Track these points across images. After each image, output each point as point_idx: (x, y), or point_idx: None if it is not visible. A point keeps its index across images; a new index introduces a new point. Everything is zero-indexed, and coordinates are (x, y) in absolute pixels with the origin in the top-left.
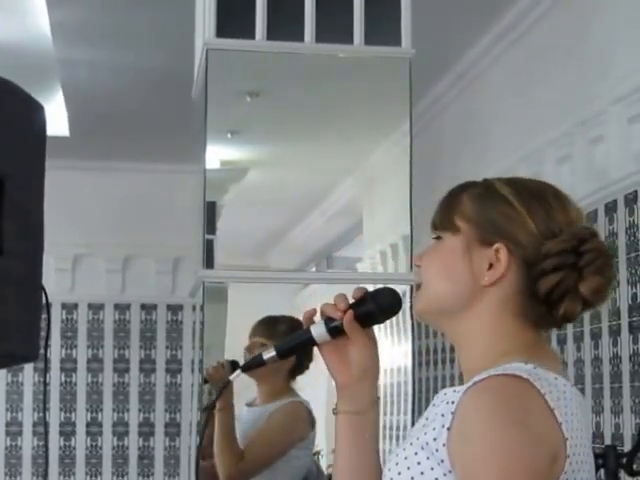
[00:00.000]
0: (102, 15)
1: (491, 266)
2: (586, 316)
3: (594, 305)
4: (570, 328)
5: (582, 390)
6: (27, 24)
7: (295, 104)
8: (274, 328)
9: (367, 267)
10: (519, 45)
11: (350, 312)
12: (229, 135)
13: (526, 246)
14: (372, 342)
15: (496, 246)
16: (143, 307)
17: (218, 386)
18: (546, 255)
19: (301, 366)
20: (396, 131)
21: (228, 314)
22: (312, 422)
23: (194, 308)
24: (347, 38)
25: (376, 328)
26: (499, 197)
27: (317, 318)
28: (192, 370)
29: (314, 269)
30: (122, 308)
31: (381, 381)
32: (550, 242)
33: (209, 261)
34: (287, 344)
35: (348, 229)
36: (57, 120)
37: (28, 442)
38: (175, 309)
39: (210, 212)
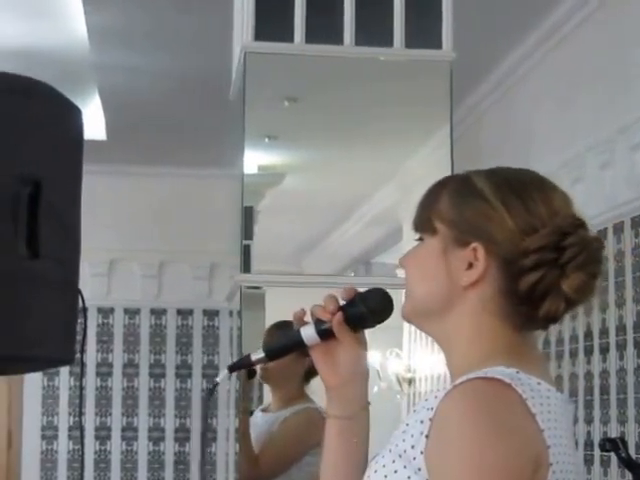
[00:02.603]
0: (139, 19)
1: (470, 266)
2: (595, 330)
3: (578, 303)
4: (580, 342)
5: (590, 402)
6: (64, 28)
7: (333, 108)
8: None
9: None
10: (561, 49)
11: (339, 314)
12: (266, 140)
13: (504, 244)
14: (361, 346)
15: (473, 246)
16: (179, 312)
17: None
18: (525, 252)
19: (315, 369)
20: (435, 136)
21: (266, 320)
22: None
23: (231, 314)
24: (387, 41)
25: (417, 336)
26: (476, 193)
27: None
28: (229, 377)
29: (352, 275)
30: (158, 313)
31: (422, 388)
32: (529, 238)
33: (246, 266)
34: (276, 345)
35: (387, 235)
36: (94, 124)
37: (64, 446)
38: (211, 314)
39: (247, 217)
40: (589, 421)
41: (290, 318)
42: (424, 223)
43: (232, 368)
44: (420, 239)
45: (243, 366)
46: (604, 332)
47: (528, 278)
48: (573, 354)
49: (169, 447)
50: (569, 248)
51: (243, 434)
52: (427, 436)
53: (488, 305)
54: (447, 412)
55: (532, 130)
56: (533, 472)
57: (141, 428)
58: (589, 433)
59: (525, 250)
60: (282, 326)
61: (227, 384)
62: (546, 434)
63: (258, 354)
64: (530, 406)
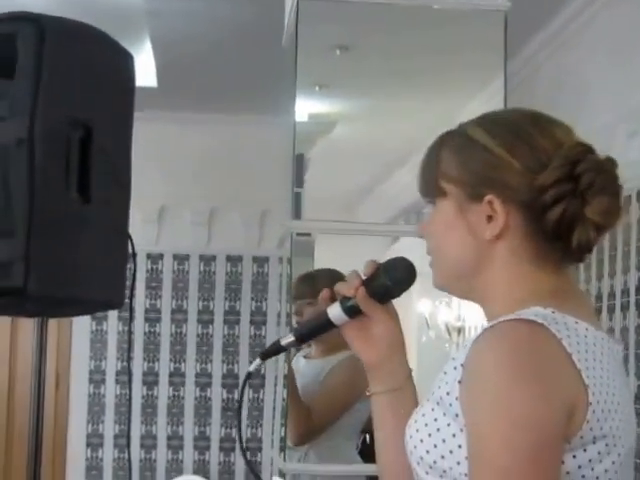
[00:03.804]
0: None
1: (490, 219)
2: (617, 292)
3: (608, 226)
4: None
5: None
6: None
7: (385, 57)
8: (314, 285)
9: None
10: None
11: (362, 289)
12: (317, 88)
13: (518, 188)
14: (392, 316)
15: (487, 198)
16: (229, 259)
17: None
18: (541, 190)
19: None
20: (489, 86)
21: (314, 268)
22: None
23: (280, 260)
24: None
25: None
26: (475, 144)
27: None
28: (278, 323)
29: (403, 224)
30: (207, 259)
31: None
32: (541, 175)
33: (297, 213)
34: (305, 328)
35: None
36: (145, 70)
37: (111, 390)
38: (261, 261)
39: (298, 165)
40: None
41: (340, 266)
42: (432, 188)
43: (264, 356)
44: (431, 203)
45: (274, 352)
46: (611, 294)
47: (551, 214)
48: (624, 307)
49: (216, 393)
50: (584, 174)
51: (290, 390)
52: (460, 382)
53: (518, 252)
54: (476, 356)
55: (587, 83)
56: (568, 413)
57: (188, 374)
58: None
59: (540, 188)
60: (306, 278)
61: (276, 331)
62: (584, 374)
63: (288, 338)
64: (566, 345)
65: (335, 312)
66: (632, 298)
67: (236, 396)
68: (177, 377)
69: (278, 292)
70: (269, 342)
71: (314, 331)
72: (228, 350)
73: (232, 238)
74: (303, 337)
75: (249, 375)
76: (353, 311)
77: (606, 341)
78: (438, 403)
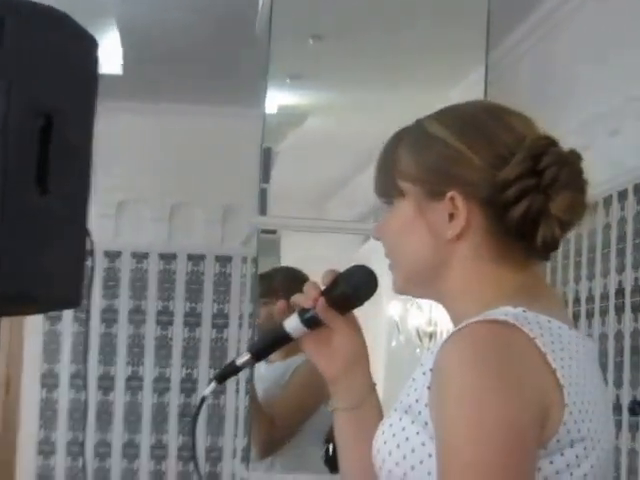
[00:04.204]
0: None
1: (452, 217)
2: (597, 295)
3: (573, 223)
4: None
5: (620, 363)
6: None
7: (360, 49)
8: (271, 284)
9: None
10: None
11: (322, 299)
12: (289, 79)
13: (479, 184)
14: (354, 327)
15: (449, 195)
16: (190, 257)
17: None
18: (504, 186)
19: None
20: (469, 78)
21: None
22: None
23: (244, 260)
24: None
25: None
26: (433, 140)
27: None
28: (240, 326)
29: (373, 222)
30: (167, 258)
31: None
32: (503, 171)
33: (263, 209)
34: (261, 344)
35: None
36: (110, 57)
37: (65, 394)
38: (224, 261)
39: (265, 159)
40: (618, 384)
41: (306, 266)
42: (389, 187)
43: (220, 378)
44: (388, 204)
45: (230, 374)
46: (604, 297)
47: (514, 211)
48: (603, 312)
49: (174, 398)
50: (548, 169)
51: (252, 399)
52: (429, 388)
53: (480, 251)
54: (443, 360)
55: (570, 77)
56: (542, 418)
57: (146, 378)
58: (618, 397)
59: (503, 184)
60: (263, 277)
61: (237, 334)
62: (559, 373)
63: (243, 357)
64: (539, 345)
65: (293, 324)
66: (611, 302)
67: (193, 401)
68: (134, 381)
69: (240, 293)
70: (231, 346)
71: (271, 346)
72: (188, 354)
73: (194, 235)
74: (259, 354)
75: (203, 400)
76: (312, 322)
77: (580, 339)
78: (406, 411)
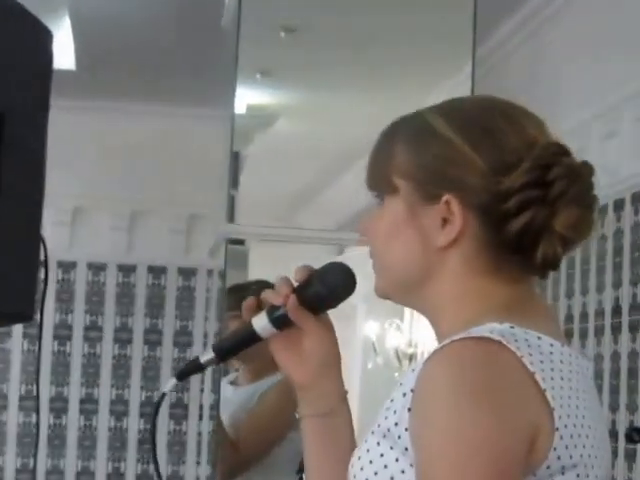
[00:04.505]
0: None
1: (445, 222)
2: (591, 312)
3: (577, 241)
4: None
5: (616, 386)
6: None
7: (337, 42)
8: (243, 298)
9: None
10: None
11: (293, 297)
12: (259, 76)
13: (478, 190)
14: (327, 329)
15: (444, 198)
16: (151, 270)
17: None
18: (506, 195)
19: None
20: (453, 76)
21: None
22: None
23: (210, 273)
24: None
25: None
26: (435, 136)
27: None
28: (205, 344)
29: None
30: (127, 270)
31: None
32: (507, 178)
33: (231, 218)
34: (226, 342)
35: None
36: (62, 51)
37: (13, 418)
38: (188, 273)
39: (232, 164)
40: (614, 409)
41: (274, 280)
42: (382, 181)
43: (181, 375)
44: (378, 198)
45: (193, 371)
46: (599, 314)
47: (514, 224)
48: (599, 331)
49: (133, 423)
50: (557, 181)
51: (218, 424)
52: (409, 409)
53: (473, 263)
54: (424, 380)
55: (561, 75)
56: (530, 442)
57: (102, 401)
58: (614, 422)
59: (506, 192)
60: (238, 289)
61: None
62: (549, 394)
63: (207, 355)
64: (527, 364)
65: (261, 323)
66: (607, 320)
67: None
68: (89, 404)
69: (205, 309)
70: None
71: (237, 345)
72: (148, 375)
73: (155, 245)
74: (224, 352)
75: (163, 396)
76: (282, 322)
77: (574, 357)
78: (385, 436)
